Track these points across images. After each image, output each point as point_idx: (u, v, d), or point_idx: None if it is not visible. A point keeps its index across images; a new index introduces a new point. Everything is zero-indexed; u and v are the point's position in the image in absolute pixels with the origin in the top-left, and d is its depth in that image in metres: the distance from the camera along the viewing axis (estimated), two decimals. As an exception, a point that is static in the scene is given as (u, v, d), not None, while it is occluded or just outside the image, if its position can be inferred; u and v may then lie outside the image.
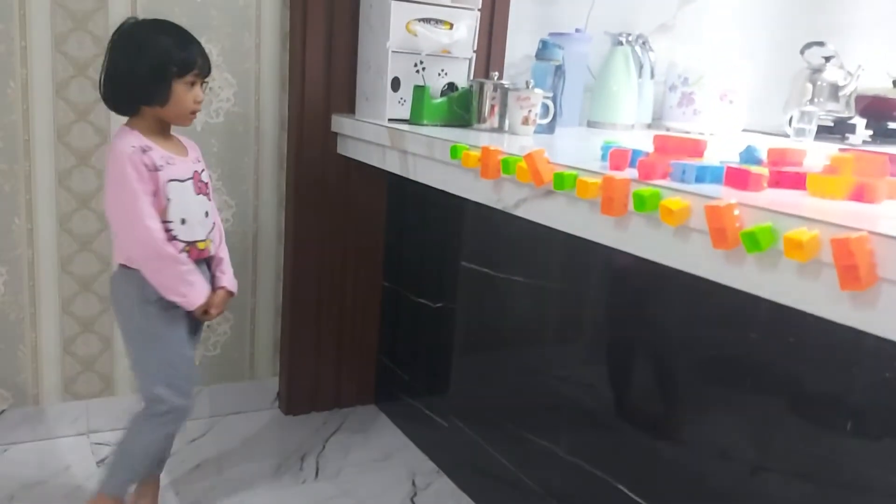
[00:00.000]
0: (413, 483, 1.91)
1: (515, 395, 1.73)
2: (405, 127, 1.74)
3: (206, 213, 1.54)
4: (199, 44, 1.48)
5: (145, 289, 1.48)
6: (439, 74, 1.89)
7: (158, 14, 1.85)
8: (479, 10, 1.89)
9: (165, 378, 1.52)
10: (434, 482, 1.93)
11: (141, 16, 1.83)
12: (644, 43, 2.18)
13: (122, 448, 1.58)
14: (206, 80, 1.51)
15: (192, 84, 1.46)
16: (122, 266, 1.51)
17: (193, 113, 1.50)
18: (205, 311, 1.52)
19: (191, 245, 1.51)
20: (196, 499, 1.76)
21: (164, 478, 1.84)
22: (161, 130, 1.50)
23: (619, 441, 1.47)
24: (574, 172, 1.17)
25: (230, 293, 1.59)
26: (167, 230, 1.46)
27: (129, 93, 1.46)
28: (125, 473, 1.58)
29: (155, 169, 1.44)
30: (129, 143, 1.44)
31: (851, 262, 0.78)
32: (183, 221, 1.48)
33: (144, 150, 1.44)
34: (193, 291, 1.49)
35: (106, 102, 1.49)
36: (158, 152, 1.46)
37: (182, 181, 1.49)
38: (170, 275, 1.46)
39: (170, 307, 1.51)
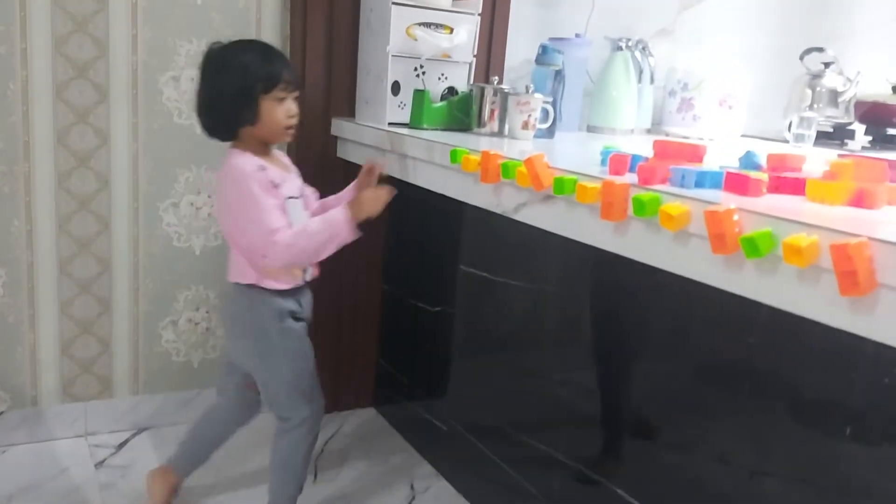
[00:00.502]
0: (411, 487, 1.91)
1: (514, 399, 1.73)
2: (405, 131, 1.74)
3: None
4: (284, 58, 1.47)
5: (275, 306, 1.50)
6: (439, 78, 1.89)
7: (158, 15, 1.87)
8: (479, 14, 1.90)
9: (299, 388, 1.55)
10: (432, 486, 1.92)
11: (140, 18, 1.85)
12: (644, 48, 2.19)
13: (283, 471, 1.59)
14: (298, 92, 1.49)
15: (282, 99, 1.45)
16: (249, 286, 1.50)
17: (289, 128, 1.48)
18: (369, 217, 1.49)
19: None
20: (195, 501, 1.76)
21: (162, 480, 1.85)
22: (264, 149, 1.50)
23: (619, 445, 1.47)
24: (574, 177, 1.17)
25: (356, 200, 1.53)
26: None
27: (221, 117, 1.46)
28: (292, 488, 1.60)
29: (275, 187, 1.45)
30: (248, 162, 1.44)
31: (850, 268, 0.78)
32: None
33: (263, 169, 1.45)
34: (336, 234, 1.45)
35: (204, 131, 1.49)
36: (273, 171, 1.47)
37: (296, 198, 1.50)
38: (312, 248, 1.44)
39: (298, 318, 1.55)
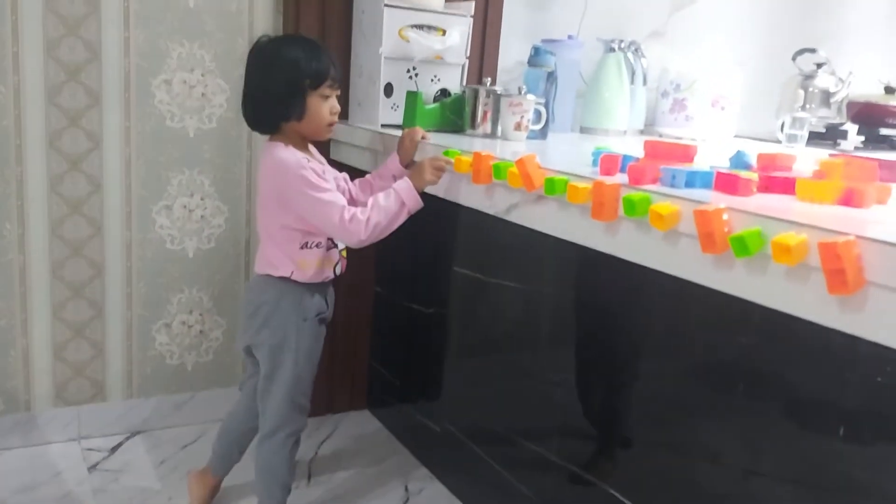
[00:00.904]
0: (405, 488, 1.91)
1: (507, 400, 1.73)
2: (398, 133, 1.74)
3: None
4: (329, 54, 1.48)
5: (302, 302, 1.51)
6: (432, 80, 1.89)
7: (150, 18, 1.86)
8: (471, 16, 1.90)
9: (292, 396, 1.55)
10: (426, 487, 1.92)
11: (132, 21, 1.85)
12: (636, 49, 2.19)
13: (267, 477, 1.59)
14: (339, 90, 1.50)
15: (327, 96, 1.47)
16: (280, 279, 1.51)
17: (331, 125, 1.50)
18: (431, 178, 1.48)
19: (339, 253, 1.57)
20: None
21: (155, 485, 1.84)
22: (304, 144, 1.52)
23: (612, 446, 1.47)
24: (565, 177, 1.18)
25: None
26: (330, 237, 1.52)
27: (267, 110, 1.47)
28: (277, 493, 1.60)
29: (323, 178, 1.46)
30: (292, 153, 1.45)
31: (839, 266, 0.79)
32: None
33: (308, 160, 1.47)
34: (404, 203, 1.45)
35: (248, 123, 1.52)
36: (315, 164, 1.49)
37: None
38: (386, 220, 1.44)
39: (323, 321, 1.57)
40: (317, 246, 1.52)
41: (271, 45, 1.48)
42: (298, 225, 1.48)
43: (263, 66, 1.47)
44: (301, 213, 1.46)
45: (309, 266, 1.51)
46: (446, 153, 1.46)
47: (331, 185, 1.48)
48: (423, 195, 1.48)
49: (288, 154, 1.46)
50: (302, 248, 1.50)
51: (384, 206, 1.44)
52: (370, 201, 1.45)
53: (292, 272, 1.50)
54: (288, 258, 1.50)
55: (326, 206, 1.43)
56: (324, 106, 1.47)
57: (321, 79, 1.45)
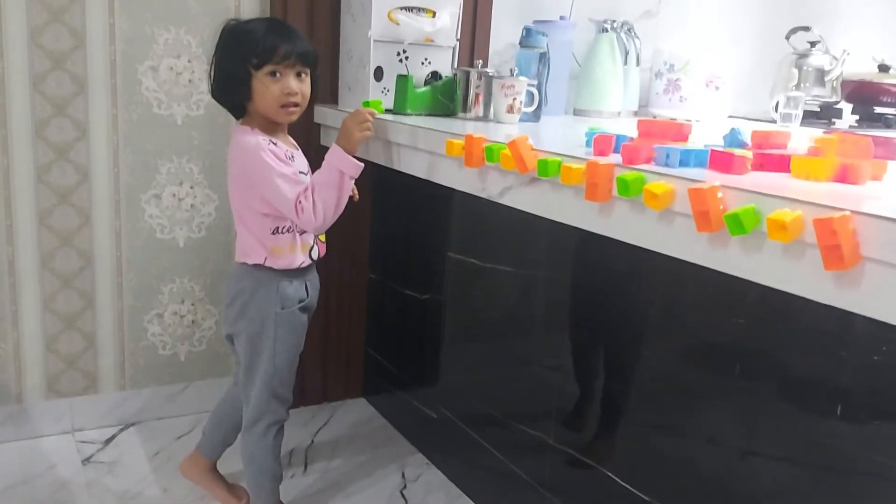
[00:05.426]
0: (402, 475, 1.90)
1: (504, 386, 1.72)
2: (389, 117, 1.72)
3: None
4: (289, 33, 1.43)
5: (281, 290, 1.49)
6: (423, 63, 1.87)
7: (135, 4, 1.84)
8: (461, -3, 1.88)
9: (271, 385, 1.53)
10: (423, 473, 1.91)
11: (117, 7, 1.83)
12: (629, 30, 2.17)
13: (253, 466, 1.59)
14: (302, 69, 1.44)
15: (277, 74, 1.41)
16: (257, 267, 1.48)
17: (286, 106, 1.43)
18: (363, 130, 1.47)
19: (315, 240, 1.54)
20: (184, 495, 1.74)
21: (149, 476, 1.83)
22: (273, 127, 1.48)
23: (609, 429, 1.46)
24: (558, 159, 1.16)
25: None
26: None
27: (222, 92, 1.45)
28: (266, 482, 1.59)
29: (284, 160, 1.43)
30: (256, 136, 1.42)
31: (835, 242, 0.77)
32: None
33: (270, 143, 1.43)
34: (342, 171, 1.41)
35: (223, 107, 1.50)
36: (282, 147, 1.46)
37: (305, 174, 1.49)
38: (332, 196, 1.40)
39: (305, 310, 1.54)
40: (287, 230, 1.48)
41: (227, 25, 1.46)
42: (267, 209, 1.45)
43: (218, 47, 1.45)
44: (266, 196, 1.43)
45: (281, 252, 1.48)
46: (366, 104, 1.45)
47: (293, 169, 1.44)
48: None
49: (244, 137, 1.43)
50: (273, 233, 1.47)
51: (324, 183, 1.41)
52: (308, 184, 1.41)
53: (265, 259, 1.48)
54: (260, 245, 1.48)
55: (276, 196, 1.41)
56: (273, 86, 1.41)
57: (265, 58, 1.40)
